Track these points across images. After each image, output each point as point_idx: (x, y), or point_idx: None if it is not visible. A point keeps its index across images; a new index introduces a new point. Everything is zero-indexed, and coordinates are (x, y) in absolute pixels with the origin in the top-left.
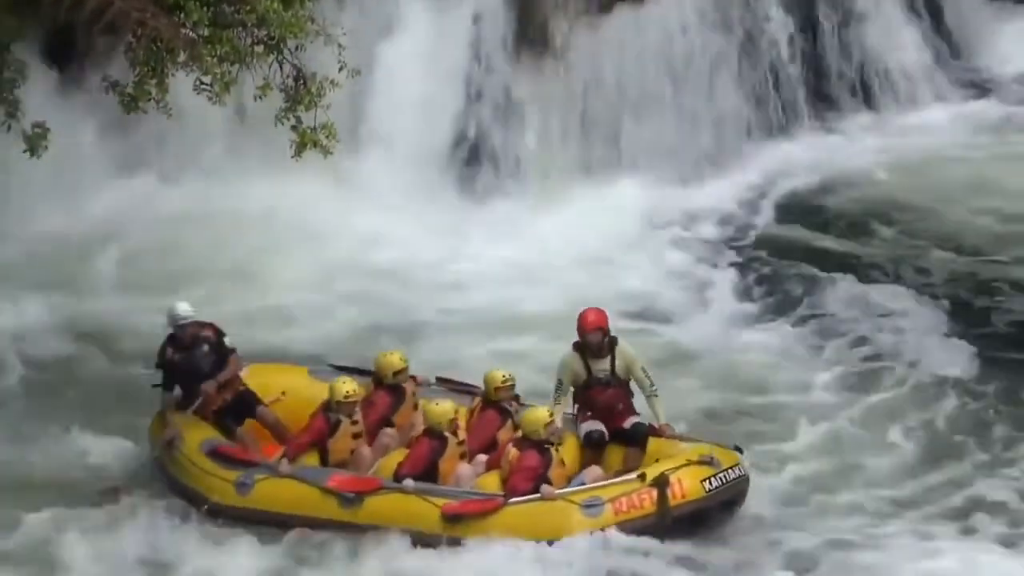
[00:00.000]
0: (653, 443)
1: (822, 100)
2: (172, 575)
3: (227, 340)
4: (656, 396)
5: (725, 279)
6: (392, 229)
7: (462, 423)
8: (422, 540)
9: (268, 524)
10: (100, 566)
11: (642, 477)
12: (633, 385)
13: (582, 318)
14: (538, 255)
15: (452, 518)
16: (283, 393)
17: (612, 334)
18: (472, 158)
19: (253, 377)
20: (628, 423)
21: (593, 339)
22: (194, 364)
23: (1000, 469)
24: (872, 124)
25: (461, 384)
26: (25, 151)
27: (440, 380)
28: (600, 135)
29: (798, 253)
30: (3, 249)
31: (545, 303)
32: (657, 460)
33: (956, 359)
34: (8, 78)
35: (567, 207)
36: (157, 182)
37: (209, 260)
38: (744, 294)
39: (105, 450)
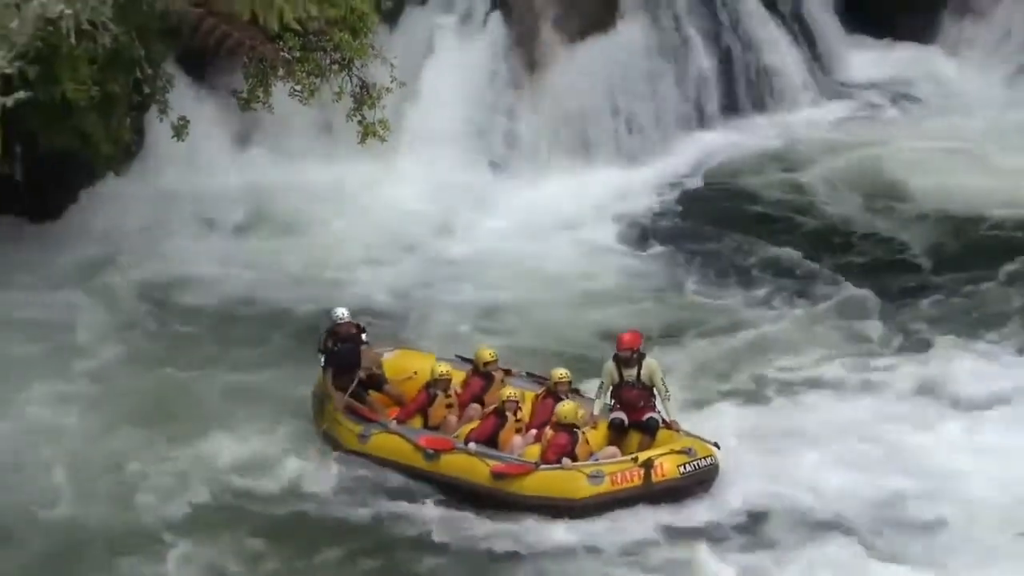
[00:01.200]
0: (663, 434)
1: (731, 106)
2: (318, 499)
3: (364, 336)
4: (669, 399)
5: (663, 231)
6: (425, 202)
7: (526, 407)
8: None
9: (378, 466)
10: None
11: (635, 459)
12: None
13: (620, 339)
14: (526, 221)
15: (497, 476)
16: (414, 372)
17: (641, 350)
18: (485, 146)
19: (398, 359)
20: (645, 416)
21: (624, 355)
22: (346, 355)
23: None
24: (766, 122)
25: (539, 377)
26: (173, 136)
27: (528, 374)
28: (573, 130)
29: (714, 214)
30: (170, 203)
31: (537, 256)
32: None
33: (831, 282)
34: (160, 86)
35: (550, 184)
36: (265, 159)
37: (300, 220)
38: (672, 242)
39: (277, 401)
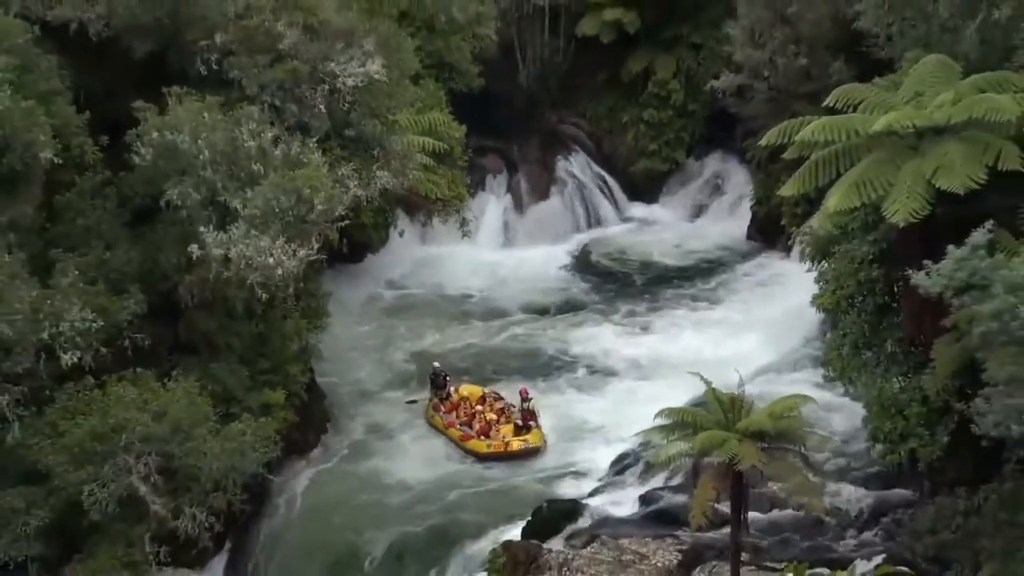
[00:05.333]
0: (535, 432)
1: (587, 225)
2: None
3: (447, 377)
4: (538, 415)
5: (572, 266)
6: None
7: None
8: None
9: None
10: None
11: (505, 441)
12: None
13: (521, 391)
14: (520, 262)
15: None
16: (460, 393)
17: (529, 396)
18: (506, 237)
19: (463, 388)
20: (525, 423)
21: (523, 396)
22: (438, 384)
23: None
24: (599, 231)
25: (496, 394)
26: (461, 229)
27: (495, 394)
28: (537, 230)
29: (587, 262)
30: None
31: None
32: None
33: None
34: (393, 219)
35: (531, 250)
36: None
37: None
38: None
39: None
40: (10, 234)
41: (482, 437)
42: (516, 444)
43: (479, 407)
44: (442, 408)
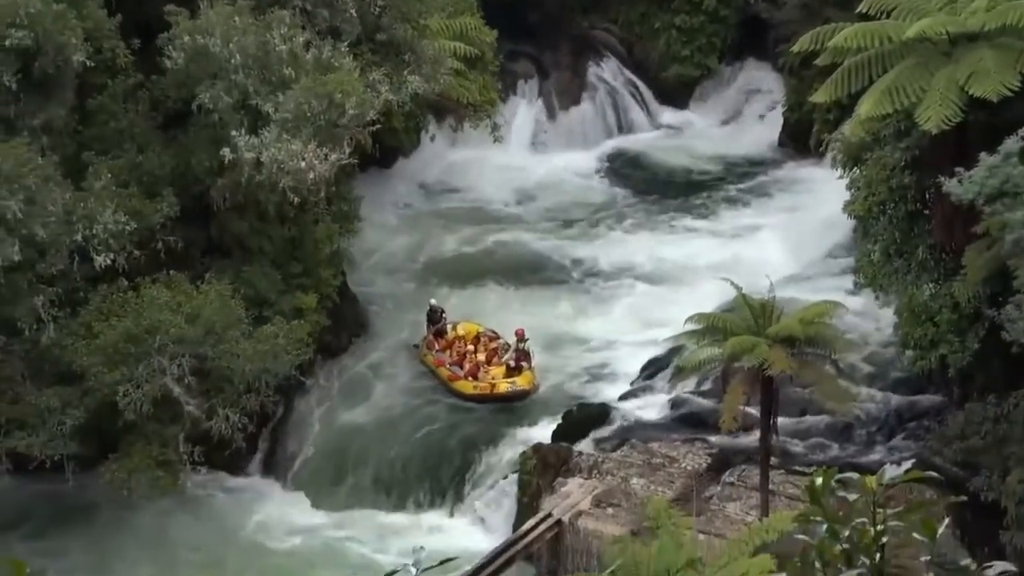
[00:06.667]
0: (526, 373)
1: (618, 130)
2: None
3: (444, 314)
4: (533, 356)
5: (604, 171)
6: (520, 160)
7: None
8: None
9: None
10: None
11: (492, 384)
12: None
13: (518, 332)
14: (552, 168)
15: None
16: (457, 332)
17: (525, 337)
18: (536, 142)
19: (461, 325)
20: (517, 364)
21: (519, 337)
22: (436, 321)
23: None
24: (632, 136)
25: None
26: (491, 135)
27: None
28: (567, 138)
29: (619, 168)
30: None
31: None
32: None
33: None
34: (426, 122)
35: (561, 155)
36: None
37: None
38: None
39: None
40: (43, 137)
41: (470, 378)
42: (503, 386)
43: (470, 347)
44: (436, 346)
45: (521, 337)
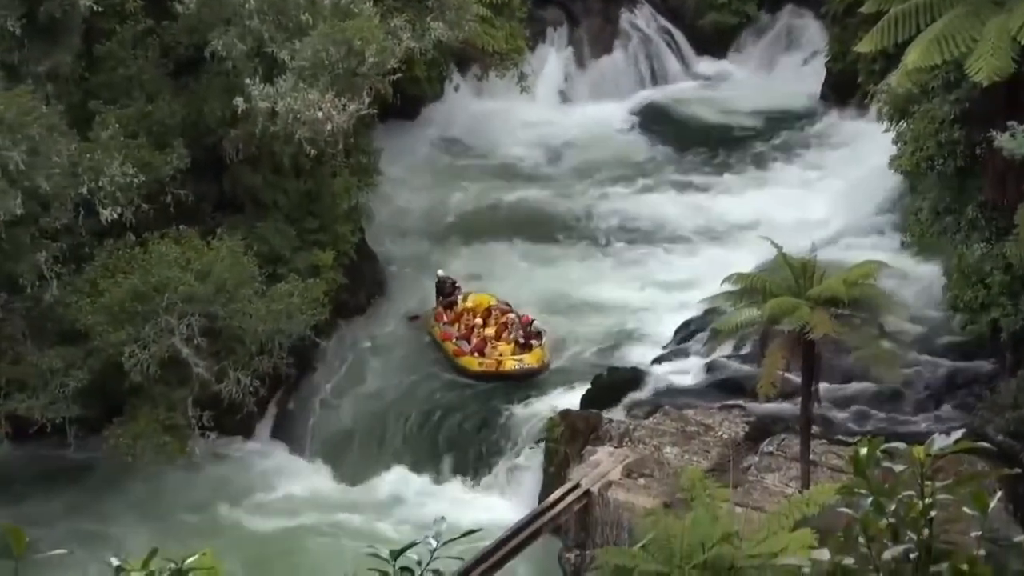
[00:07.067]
0: (536, 351)
1: (651, 81)
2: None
3: (457, 285)
4: (543, 335)
5: (636, 123)
6: (548, 113)
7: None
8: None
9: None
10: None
11: (498, 362)
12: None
13: (524, 318)
14: (583, 117)
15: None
16: (467, 302)
17: (532, 319)
18: (566, 90)
19: (473, 297)
20: (526, 342)
21: (527, 324)
22: (446, 292)
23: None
24: (667, 87)
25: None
26: (519, 84)
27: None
28: (597, 86)
29: (653, 118)
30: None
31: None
32: None
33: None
34: (449, 73)
35: (591, 106)
36: (484, 101)
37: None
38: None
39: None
40: (48, 84)
41: (475, 354)
42: (510, 364)
43: (478, 320)
44: (444, 318)
45: (528, 325)
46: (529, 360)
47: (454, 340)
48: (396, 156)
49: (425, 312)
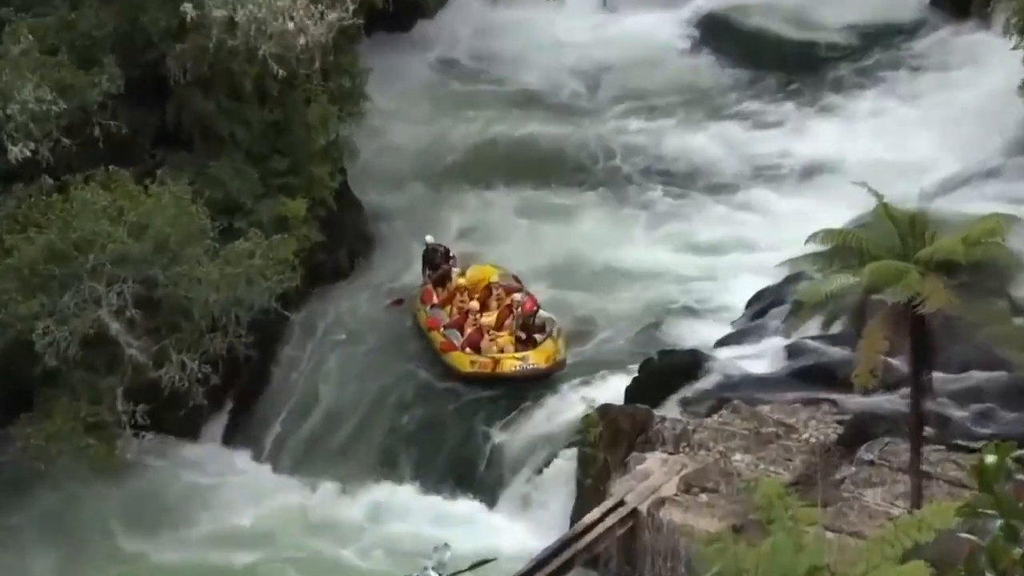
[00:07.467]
0: (545, 346)
1: None
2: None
3: (452, 256)
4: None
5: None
6: (578, 24)
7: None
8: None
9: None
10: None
11: (495, 360)
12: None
13: (525, 306)
14: (629, 31)
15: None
16: (460, 287)
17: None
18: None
19: (471, 271)
20: (528, 336)
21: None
22: (436, 264)
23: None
24: None
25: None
26: None
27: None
28: None
29: (714, 29)
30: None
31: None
32: None
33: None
34: None
35: (639, 16)
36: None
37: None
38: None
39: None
40: None
41: (468, 350)
42: (509, 364)
43: (473, 304)
44: (433, 298)
45: (531, 314)
46: (535, 358)
47: (442, 330)
48: (387, 79)
49: (411, 292)
